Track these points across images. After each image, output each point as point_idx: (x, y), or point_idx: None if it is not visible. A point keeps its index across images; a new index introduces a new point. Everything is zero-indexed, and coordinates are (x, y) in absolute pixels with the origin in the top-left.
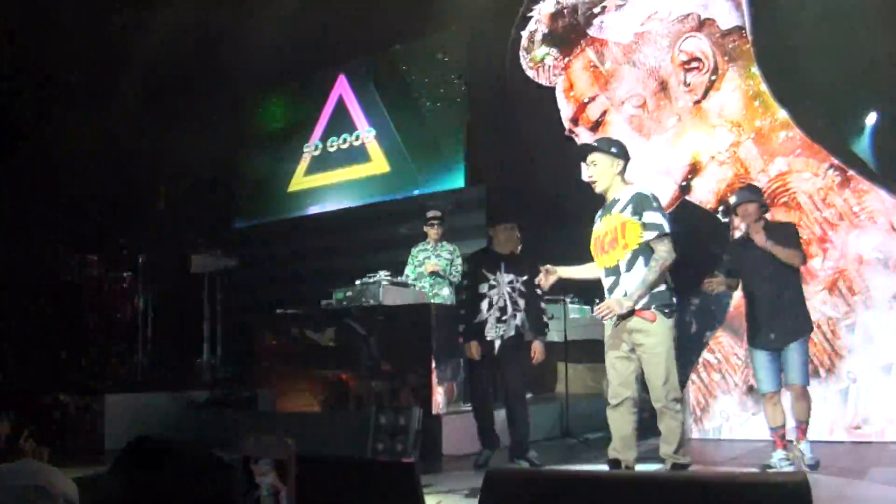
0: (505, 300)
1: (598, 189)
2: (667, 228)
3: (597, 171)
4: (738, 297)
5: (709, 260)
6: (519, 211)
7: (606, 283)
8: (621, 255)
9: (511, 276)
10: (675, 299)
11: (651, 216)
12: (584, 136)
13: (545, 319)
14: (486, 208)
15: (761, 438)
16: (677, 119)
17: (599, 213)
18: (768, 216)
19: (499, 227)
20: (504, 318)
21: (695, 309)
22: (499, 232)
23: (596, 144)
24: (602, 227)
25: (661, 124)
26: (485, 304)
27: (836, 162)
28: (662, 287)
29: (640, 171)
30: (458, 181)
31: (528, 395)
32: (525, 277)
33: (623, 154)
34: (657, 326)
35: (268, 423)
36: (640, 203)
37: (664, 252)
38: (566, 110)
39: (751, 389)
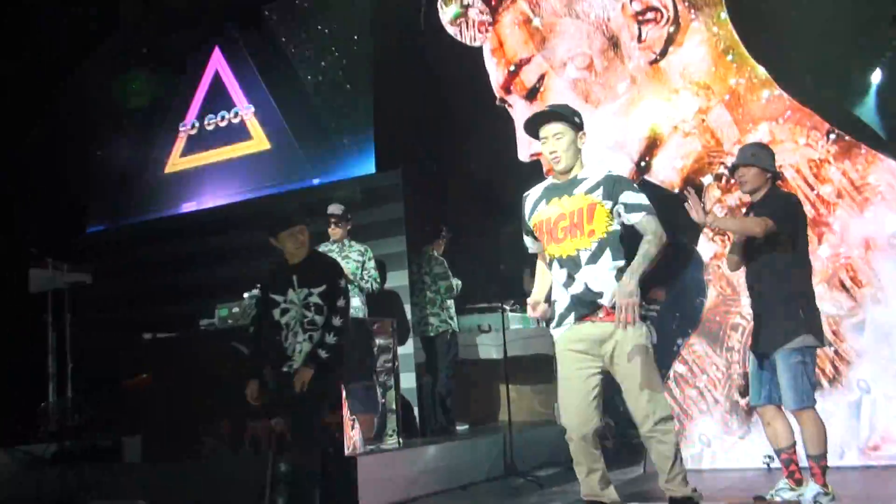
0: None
1: (561, 167)
2: (652, 209)
3: (561, 145)
4: (713, 295)
5: (673, 251)
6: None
7: (557, 276)
8: (584, 243)
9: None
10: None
11: (632, 196)
12: (519, 107)
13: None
14: (405, 197)
15: (751, 467)
16: (631, 82)
17: (542, 192)
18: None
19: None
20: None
21: (660, 310)
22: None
23: (561, 111)
24: (556, 209)
25: (611, 89)
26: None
27: (831, 128)
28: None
29: (588, 146)
30: (367, 166)
31: (464, 427)
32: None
33: (583, 126)
34: (634, 330)
35: (133, 480)
36: (617, 184)
37: (659, 228)
38: (496, 75)
39: (735, 407)
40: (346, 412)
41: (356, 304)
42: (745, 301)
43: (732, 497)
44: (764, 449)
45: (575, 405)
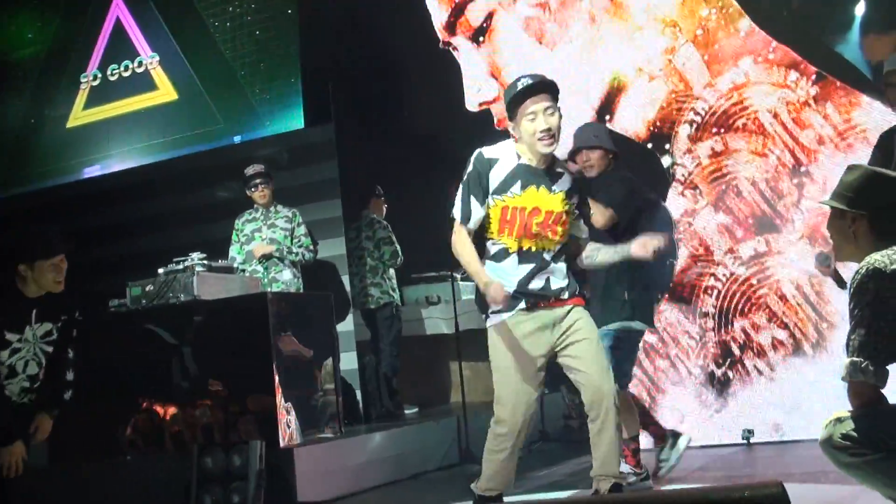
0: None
1: (552, 149)
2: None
3: (554, 122)
4: (685, 255)
5: (640, 207)
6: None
7: (510, 269)
8: (552, 245)
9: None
10: None
11: (587, 208)
12: (464, 50)
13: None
14: (339, 155)
15: (729, 442)
16: (589, 20)
17: (517, 169)
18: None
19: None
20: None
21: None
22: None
23: (553, 83)
24: (531, 200)
25: (567, 29)
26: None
27: (812, 68)
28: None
29: None
30: (295, 121)
31: (413, 410)
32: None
33: None
34: (583, 311)
35: (38, 484)
36: (583, 192)
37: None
38: (438, 14)
39: (710, 377)
40: (279, 399)
41: (287, 277)
42: (720, 261)
43: (706, 478)
44: (743, 423)
45: (525, 397)
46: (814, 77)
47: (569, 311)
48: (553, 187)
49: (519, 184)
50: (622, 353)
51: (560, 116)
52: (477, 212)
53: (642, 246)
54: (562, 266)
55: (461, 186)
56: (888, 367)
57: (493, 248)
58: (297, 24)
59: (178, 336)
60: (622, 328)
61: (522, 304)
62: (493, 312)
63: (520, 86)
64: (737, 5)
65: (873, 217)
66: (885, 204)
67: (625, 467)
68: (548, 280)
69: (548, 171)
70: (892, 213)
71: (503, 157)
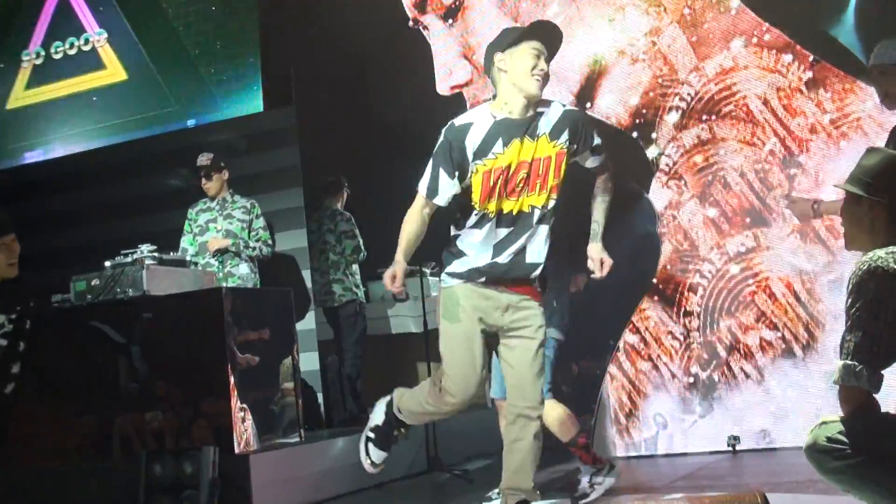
0: None
1: (539, 90)
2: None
3: (544, 65)
4: (668, 251)
5: (621, 197)
6: None
7: (487, 235)
8: (541, 199)
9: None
10: None
11: (597, 138)
12: (435, 29)
13: None
14: (301, 141)
15: (714, 449)
16: None
17: (494, 127)
18: None
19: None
20: None
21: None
22: None
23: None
24: (513, 155)
25: (545, 7)
26: None
27: (803, 51)
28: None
29: None
30: (254, 104)
31: None
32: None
33: None
34: (540, 309)
35: None
36: (584, 125)
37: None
38: None
39: (695, 381)
40: (235, 402)
41: (244, 271)
42: (706, 257)
43: (689, 487)
44: (728, 429)
45: (475, 369)
46: (807, 62)
47: (523, 302)
48: (538, 132)
49: (500, 141)
50: (555, 362)
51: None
52: (446, 186)
53: (590, 260)
54: (544, 239)
55: (430, 160)
56: (883, 373)
57: (474, 218)
58: (256, 0)
59: (126, 334)
60: (559, 336)
61: (482, 280)
62: (453, 275)
63: (534, 25)
64: None
65: (894, 205)
66: None
67: (586, 470)
68: (523, 251)
69: (528, 120)
70: None
71: (477, 119)
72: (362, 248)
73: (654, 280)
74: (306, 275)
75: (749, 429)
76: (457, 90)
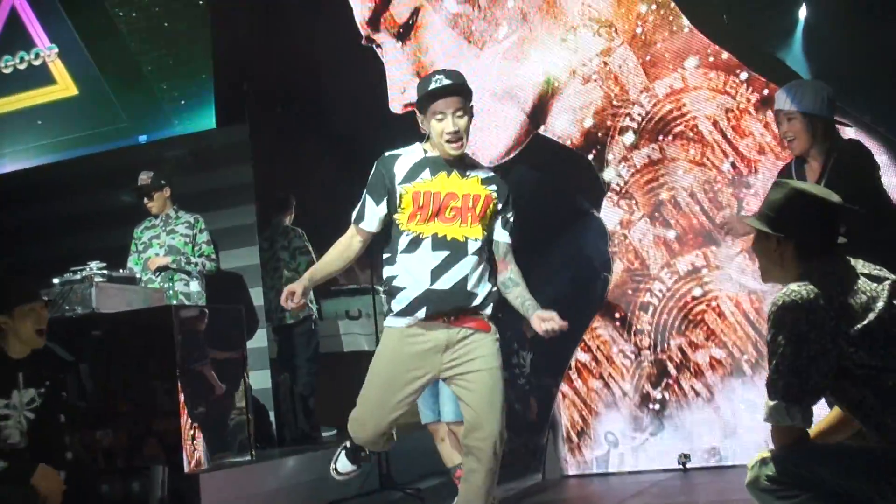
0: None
1: (460, 152)
2: None
3: (463, 124)
4: (619, 270)
5: (573, 216)
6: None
7: (424, 260)
8: (475, 233)
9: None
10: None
11: (512, 217)
12: (388, 47)
13: None
14: (253, 157)
15: (665, 467)
16: (521, 18)
17: (423, 160)
18: None
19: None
20: None
21: (558, 287)
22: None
23: (465, 83)
24: (445, 185)
25: (498, 27)
26: None
27: (752, 73)
28: (493, 287)
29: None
30: (206, 120)
31: (330, 433)
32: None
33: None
34: (491, 338)
35: None
36: (510, 195)
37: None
38: (361, 9)
39: (645, 399)
40: (185, 421)
41: (194, 288)
42: (656, 276)
43: None
44: (679, 447)
45: (390, 405)
46: (756, 83)
47: (468, 336)
48: (468, 173)
49: (428, 171)
50: None
51: (470, 118)
52: (373, 212)
53: (542, 321)
54: (483, 268)
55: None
56: (812, 408)
57: (405, 241)
58: (209, 15)
59: (74, 352)
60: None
61: (422, 313)
62: (393, 314)
63: (433, 83)
64: (675, 7)
65: (800, 239)
66: (811, 226)
67: None
68: (465, 279)
69: (459, 162)
70: (818, 235)
71: (408, 152)
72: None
73: (606, 299)
74: (255, 293)
75: (699, 446)
76: (409, 109)
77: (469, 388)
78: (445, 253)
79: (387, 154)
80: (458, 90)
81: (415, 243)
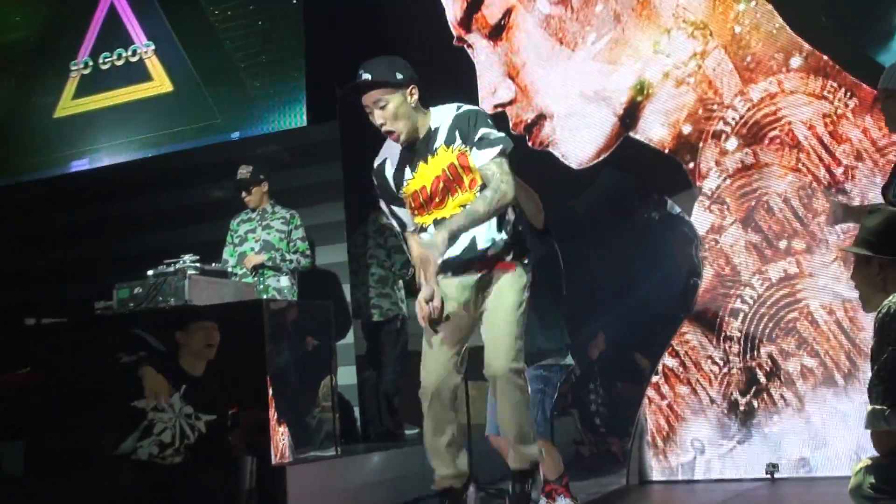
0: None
1: (402, 139)
2: (510, 143)
3: (388, 113)
4: (709, 275)
5: (663, 220)
6: None
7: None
8: (468, 197)
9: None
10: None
11: (486, 131)
12: (480, 48)
13: None
14: (343, 155)
15: (751, 476)
16: (614, 20)
17: (400, 159)
18: None
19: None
20: None
21: (648, 291)
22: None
23: (370, 79)
24: (420, 180)
25: (591, 29)
26: None
27: (850, 78)
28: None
29: (562, 96)
30: (297, 118)
31: (414, 431)
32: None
33: (410, 74)
34: (515, 276)
35: (13, 497)
36: (468, 120)
37: (505, 183)
38: (453, 9)
39: (734, 406)
40: (272, 413)
41: (284, 283)
42: (747, 282)
43: None
44: (767, 456)
45: (442, 361)
46: (853, 87)
47: (486, 275)
48: (434, 147)
49: (408, 169)
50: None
51: (401, 102)
52: (404, 213)
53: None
54: (489, 224)
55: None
56: None
57: (417, 228)
58: (303, 15)
59: (166, 342)
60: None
61: (449, 274)
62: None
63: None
64: (771, 10)
65: None
66: None
67: (564, 500)
68: (473, 240)
69: (426, 139)
70: None
71: (387, 153)
72: (412, 263)
73: (695, 304)
74: (346, 289)
75: (788, 457)
76: (500, 109)
77: (488, 313)
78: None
79: (375, 165)
80: (372, 85)
81: (422, 231)
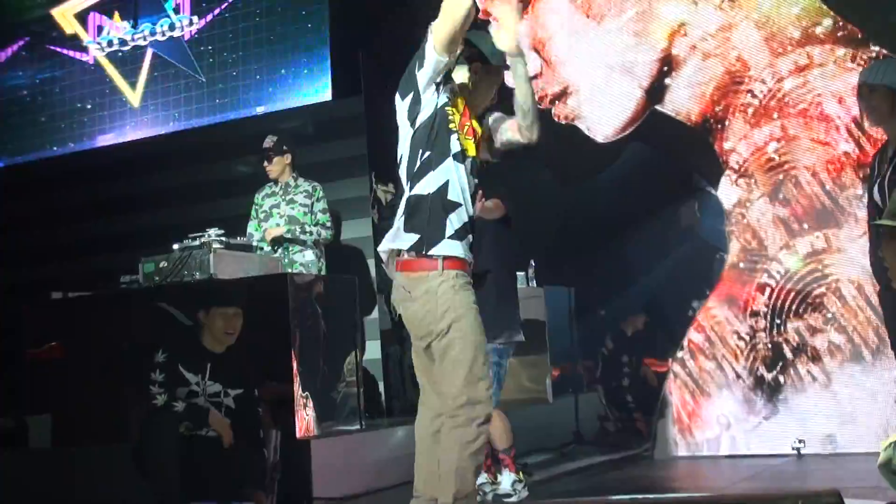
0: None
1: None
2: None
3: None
4: (736, 249)
5: (689, 194)
6: None
7: (465, 180)
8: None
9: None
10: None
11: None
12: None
13: None
14: (368, 129)
15: (778, 452)
16: None
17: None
18: None
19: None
20: None
21: (674, 265)
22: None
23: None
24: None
25: (617, 1)
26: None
27: (880, 49)
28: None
29: (588, 69)
30: (322, 92)
31: None
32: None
33: None
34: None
35: (41, 468)
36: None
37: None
38: None
39: (760, 382)
40: (297, 387)
41: (309, 258)
42: (774, 257)
43: (754, 489)
44: (793, 432)
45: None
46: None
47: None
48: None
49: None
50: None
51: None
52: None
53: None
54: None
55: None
56: None
57: (455, 146)
58: None
59: (191, 316)
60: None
61: (467, 242)
62: (448, 236)
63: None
64: None
65: None
66: None
67: (508, 476)
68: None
69: None
70: None
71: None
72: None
73: (721, 278)
74: (371, 264)
75: (814, 433)
76: None
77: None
78: (473, 179)
79: None
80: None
81: (462, 157)
